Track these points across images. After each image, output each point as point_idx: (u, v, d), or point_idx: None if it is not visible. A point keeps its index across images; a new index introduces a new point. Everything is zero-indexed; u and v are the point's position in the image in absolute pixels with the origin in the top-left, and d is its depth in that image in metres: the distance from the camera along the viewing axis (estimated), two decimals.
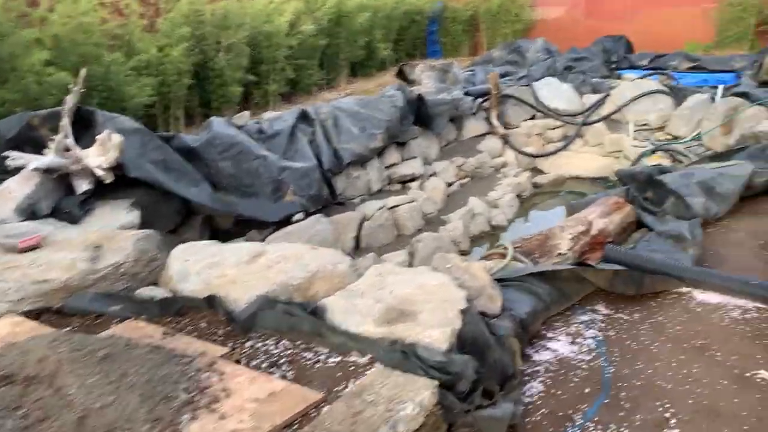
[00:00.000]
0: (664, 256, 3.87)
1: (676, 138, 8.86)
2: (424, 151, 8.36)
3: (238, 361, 2.63)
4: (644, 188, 4.78)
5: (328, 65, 11.42)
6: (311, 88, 10.82)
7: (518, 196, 8.57)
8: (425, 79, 9.34)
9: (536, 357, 3.13)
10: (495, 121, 9.52)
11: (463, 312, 2.72)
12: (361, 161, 6.95)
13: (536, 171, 9.58)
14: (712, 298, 3.53)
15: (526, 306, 3.17)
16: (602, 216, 4.14)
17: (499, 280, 3.34)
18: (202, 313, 2.98)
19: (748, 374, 2.93)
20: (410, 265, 6.44)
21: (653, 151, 8.06)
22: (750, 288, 3.40)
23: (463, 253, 7.06)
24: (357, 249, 6.59)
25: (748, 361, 3.02)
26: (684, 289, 3.63)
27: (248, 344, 2.75)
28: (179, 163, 5.58)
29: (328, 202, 6.49)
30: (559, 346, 3.21)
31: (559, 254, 3.72)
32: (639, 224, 4.47)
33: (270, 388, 2.38)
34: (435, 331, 2.59)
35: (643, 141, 8.80)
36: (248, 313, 2.81)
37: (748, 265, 3.94)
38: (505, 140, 9.50)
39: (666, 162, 7.80)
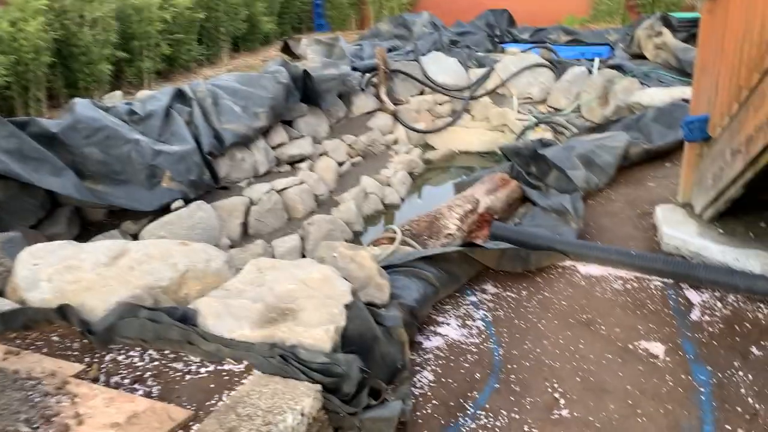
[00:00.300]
0: (549, 231, 3.89)
1: (557, 110, 9.13)
2: (314, 129, 8.09)
3: (95, 380, 2.32)
4: (528, 163, 4.82)
5: (207, 40, 10.80)
6: (190, 65, 10.20)
7: (410, 173, 8.53)
8: (311, 53, 9.02)
9: (427, 344, 3.02)
10: (384, 97, 9.39)
11: (348, 307, 2.55)
12: (244, 142, 6.58)
13: (427, 147, 9.58)
14: (595, 270, 3.58)
15: (415, 292, 3.05)
16: (488, 193, 4.11)
17: (387, 267, 3.20)
18: (54, 325, 2.63)
19: (630, 346, 2.97)
20: (303, 249, 6.21)
21: (536, 125, 8.24)
22: (629, 259, 3.47)
23: (357, 234, 6.92)
24: (245, 236, 6.27)
25: (630, 332, 3.07)
26: (568, 263, 3.66)
27: (108, 358, 2.44)
28: (38, 151, 5.01)
29: (211, 187, 6.11)
30: (449, 330, 3.13)
31: (448, 234, 3.64)
32: (524, 199, 4.49)
33: (131, 409, 2.11)
34: (318, 331, 2.40)
35: (526, 114, 8.99)
36: (107, 323, 2.49)
37: (627, 234, 4.04)
38: (395, 117, 9.40)
39: (549, 135, 8.01)
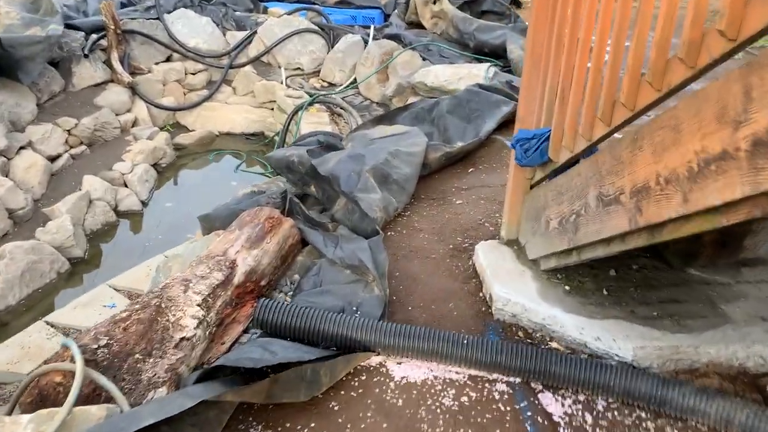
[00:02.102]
0: (342, 300, 2.60)
1: (331, 85, 7.88)
2: (11, 111, 5.82)
3: None
4: (307, 182, 3.47)
5: None
6: None
7: (155, 165, 6.67)
8: (4, 6, 6.54)
9: None
10: (117, 66, 7.28)
11: None
12: None
13: (179, 128, 7.73)
14: (415, 372, 2.37)
15: None
16: (251, 245, 2.66)
17: None
18: None
19: None
20: None
21: (311, 103, 6.90)
22: (460, 351, 2.32)
23: (76, 262, 5.02)
24: None
25: None
26: (376, 361, 2.40)
27: None
28: None
29: None
30: None
31: (184, 340, 2.16)
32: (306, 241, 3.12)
33: None
34: None
35: (298, 88, 7.59)
36: None
37: (445, 289, 2.91)
38: (134, 90, 7.37)
39: (325, 117, 6.73)
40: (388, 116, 5.05)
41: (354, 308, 2.53)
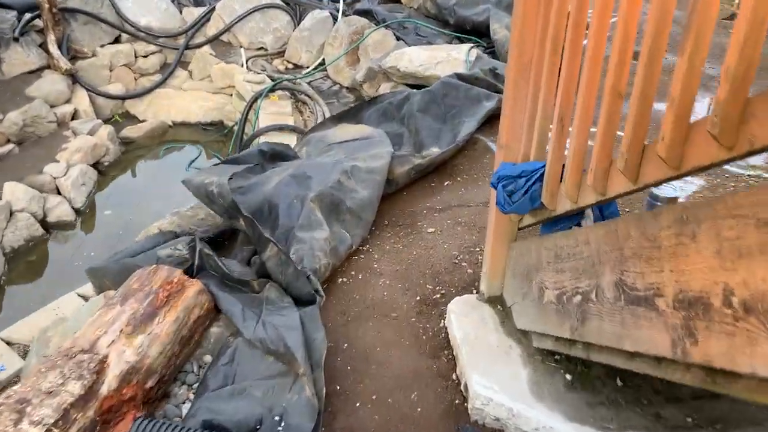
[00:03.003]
0: (262, 406, 1.88)
1: (297, 67, 7.04)
2: None
3: None
4: (232, 215, 2.70)
5: None
6: None
7: (96, 164, 5.86)
8: None
9: None
10: (54, 50, 6.40)
11: None
12: None
13: (128, 119, 6.89)
14: None
15: None
16: (134, 329, 1.90)
17: None
18: None
19: None
20: None
21: (271, 90, 6.07)
22: None
23: None
24: None
25: None
26: None
27: None
28: None
29: None
30: None
31: None
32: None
33: None
34: None
35: (260, 71, 6.75)
36: None
37: (407, 363, 2.19)
38: (74, 78, 6.50)
39: (288, 106, 5.93)
40: (353, 112, 4.27)
41: (276, 419, 1.81)
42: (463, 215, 3.14)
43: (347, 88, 6.40)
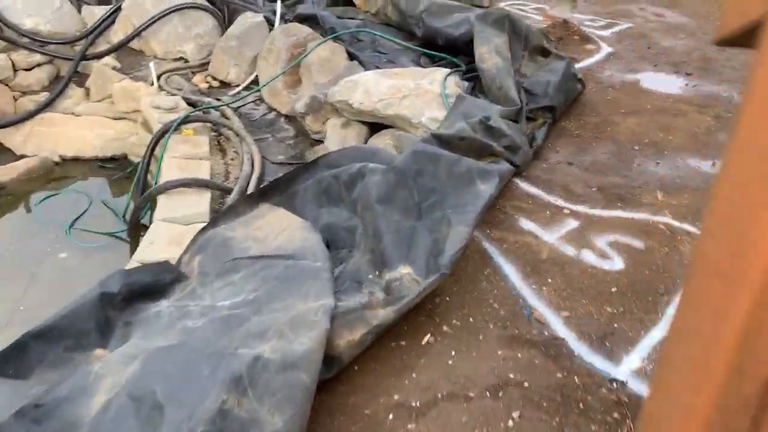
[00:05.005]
0: None
1: (225, 85, 5.50)
2: None
3: None
4: None
5: None
6: None
7: None
8: None
9: None
10: None
11: None
12: None
13: (2, 153, 5.27)
14: None
15: None
16: None
17: None
18: None
19: None
20: None
21: (182, 123, 4.54)
22: None
23: None
24: None
25: None
26: None
27: None
28: None
29: None
30: None
31: None
32: None
33: None
34: None
35: (175, 91, 5.20)
36: None
37: None
38: None
39: (205, 144, 4.41)
40: (282, 185, 2.83)
41: None
42: (461, 418, 1.75)
43: (285, 116, 4.93)
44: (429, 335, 2.08)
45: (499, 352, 2.01)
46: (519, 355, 2.00)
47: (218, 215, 2.70)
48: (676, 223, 2.73)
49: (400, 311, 1.94)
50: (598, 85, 4.34)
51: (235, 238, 2.41)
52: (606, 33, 5.57)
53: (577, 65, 4.51)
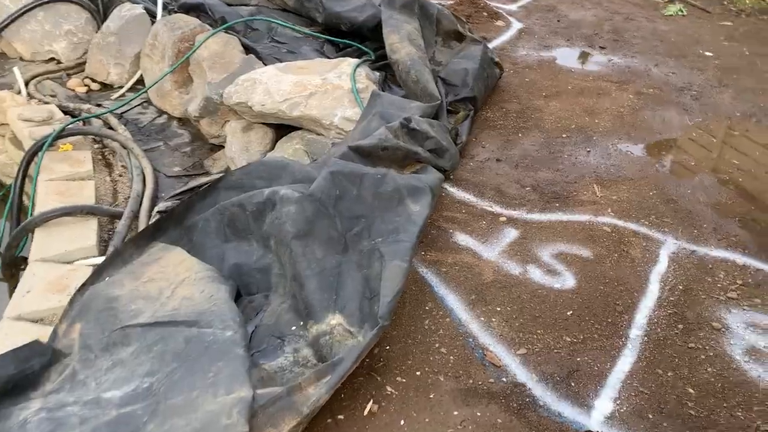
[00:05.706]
0: None
1: (105, 88, 4.83)
2: None
3: None
4: None
5: None
6: None
7: None
8: None
9: None
10: None
11: None
12: None
13: None
14: None
15: None
16: None
17: None
18: None
19: None
20: None
21: (61, 134, 3.88)
22: None
23: None
24: None
25: None
26: None
27: None
28: None
29: None
30: None
31: None
32: None
33: None
34: None
35: (47, 99, 4.50)
36: None
37: None
38: None
39: (88, 161, 3.80)
40: (177, 216, 2.37)
41: None
42: None
43: (179, 119, 4.38)
44: (371, 402, 1.73)
45: (455, 413, 1.70)
46: (478, 413, 1.70)
47: (101, 265, 2.21)
48: (620, 223, 2.51)
49: (335, 386, 1.58)
50: (514, 66, 4.09)
51: (121, 298, 1.96)
52: (513, 7, 5.34)
53: (490, 44, 4.25)
